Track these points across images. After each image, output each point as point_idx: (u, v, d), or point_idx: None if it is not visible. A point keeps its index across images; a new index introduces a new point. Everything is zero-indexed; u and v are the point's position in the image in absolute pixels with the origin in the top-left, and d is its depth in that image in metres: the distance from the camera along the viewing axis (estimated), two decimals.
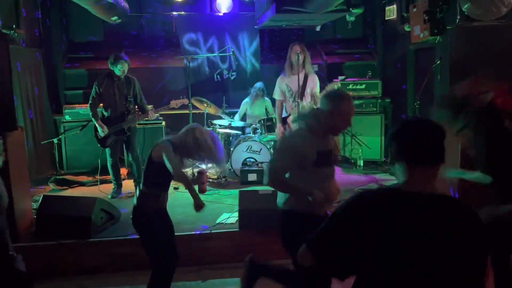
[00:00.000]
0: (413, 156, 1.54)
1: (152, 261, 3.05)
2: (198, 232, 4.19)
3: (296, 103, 5.07)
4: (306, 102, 5.11)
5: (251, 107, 6.59)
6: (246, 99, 6.67)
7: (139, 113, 5.49)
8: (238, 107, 6.78)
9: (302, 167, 2.55)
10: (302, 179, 2.57)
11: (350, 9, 5.52)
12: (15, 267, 2.53)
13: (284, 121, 5.44)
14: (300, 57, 4.91)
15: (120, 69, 5.20)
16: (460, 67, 4.63)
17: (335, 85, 5.34)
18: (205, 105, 6.26)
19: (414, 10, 5.35)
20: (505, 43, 4.50)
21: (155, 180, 3.02)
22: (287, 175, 2.61)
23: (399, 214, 1.48)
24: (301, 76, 5.13)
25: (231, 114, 6.69)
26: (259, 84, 6.52)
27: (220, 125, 6.23)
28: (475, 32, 4.55)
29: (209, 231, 4.18)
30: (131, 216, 3.09)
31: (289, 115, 5.29)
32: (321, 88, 5.33)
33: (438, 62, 5.04)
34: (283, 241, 2.72)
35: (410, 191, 1.52)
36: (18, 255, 2.60)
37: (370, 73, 6.93)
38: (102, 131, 5.24)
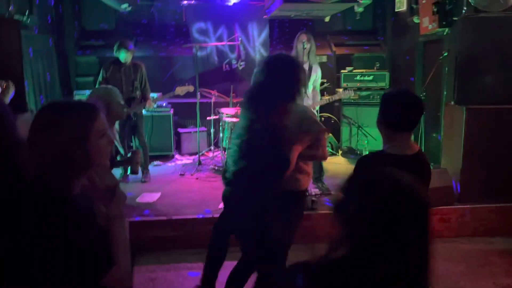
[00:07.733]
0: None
1: None
2: (201, 216, 4.29)
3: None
4: (310, 92, 5.06)
5: None
6: None
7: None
8: None
9: None
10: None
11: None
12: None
13: None
14: (305, 46, 4.85)
15: (122, 57, 5.29)
16: (467, 59, 4.63)
17: (349, 94, 5.37)
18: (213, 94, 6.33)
19: (423, 1, 5.33)
20: None
21: None
22: None
23: None
24: (306, 66, 5.08)
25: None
26: None
27: (227, 114, 6.29)
28: (482, 23, 4.53)
29: (211, 215, 4.27)
30: None
31: None
32: (332, 91, 5.25)
33: (445, 54, 5.03)
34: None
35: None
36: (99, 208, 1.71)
37: (378, 65, 6.93)
38: None
